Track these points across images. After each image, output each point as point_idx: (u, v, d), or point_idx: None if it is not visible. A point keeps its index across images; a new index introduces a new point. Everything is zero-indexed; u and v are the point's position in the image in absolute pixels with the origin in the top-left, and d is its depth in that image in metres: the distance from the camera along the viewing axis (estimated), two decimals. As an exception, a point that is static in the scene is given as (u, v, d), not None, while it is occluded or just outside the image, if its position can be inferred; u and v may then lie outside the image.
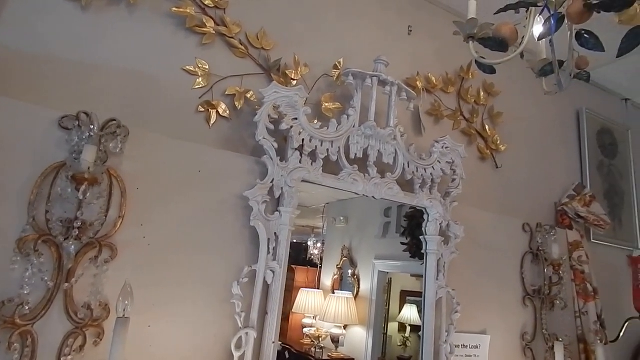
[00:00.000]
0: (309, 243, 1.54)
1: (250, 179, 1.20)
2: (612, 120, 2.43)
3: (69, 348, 0.93)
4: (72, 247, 0.94)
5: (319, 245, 1.54)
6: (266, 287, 1.15)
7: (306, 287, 1.50)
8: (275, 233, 1.18)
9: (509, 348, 1.63)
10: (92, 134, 0.98)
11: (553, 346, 1.57)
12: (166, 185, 1.12)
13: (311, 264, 1.55)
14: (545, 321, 1.69)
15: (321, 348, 1.48)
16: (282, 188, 1.20)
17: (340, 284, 1.53)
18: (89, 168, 0.96)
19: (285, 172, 1.21)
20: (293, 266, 1.57)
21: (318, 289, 1.51)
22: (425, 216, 1.48)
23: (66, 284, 0.94)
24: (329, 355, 1.48)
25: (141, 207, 1.07)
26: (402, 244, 1.49)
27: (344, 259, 1.55)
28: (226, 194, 1.19)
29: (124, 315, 0.87)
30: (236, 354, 1.07)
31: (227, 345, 1.08)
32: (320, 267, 1.53)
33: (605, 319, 1.85)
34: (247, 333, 1.09)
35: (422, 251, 1.47)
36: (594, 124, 2.34)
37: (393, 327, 1.55)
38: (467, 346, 1.52)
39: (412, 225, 1.49)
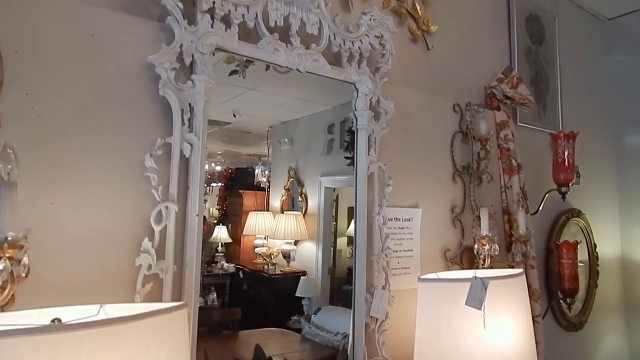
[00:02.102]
0: (256, 171, 1.52)
1: (156, 47, 1.07)
2: (541, 7, 2.45)
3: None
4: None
5: (266, 172, 1.52)
6: (185, 161, 1.08)
7: (255, 211, 1.48)
8: (189, 104, 1.08)
9: (440, 220, 1.71)
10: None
11: (479, 215, 1.65)
12: (52, 50, 0.97)
13: (259, 188, 1.53)
14: (473, 195, 1.77)
15: (274, 265, 1.50)
16: (193, 55, 1.09)
17: (289, 204, 1.53)
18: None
19: (195, 37, 1.09)
20: (241, 191, 1.54)
21: (267, 211, 1.50)
22: (354, 93, 1.44)
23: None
24: (281, 270, 1.50)
25: (24, 74, 0.93)
26: (346, 157, 1.48)
27: (291, 179, 1.54)
28: (128, 61, 1.06)
29: (9, 179, 0.77)
30: (156, 228, 1.01)
31: (147, 221, 1.02)
32: (268, 190, 1.51)
33: (527, 191, 1.97)
34: (166, 207, 1.03)
35: (353, 128, 1.44)
36: (523, 9, 2.34)
37: (342, 241, 1.58)
38: (399, 219, 1.56)
39: (354, 139, 1.46)
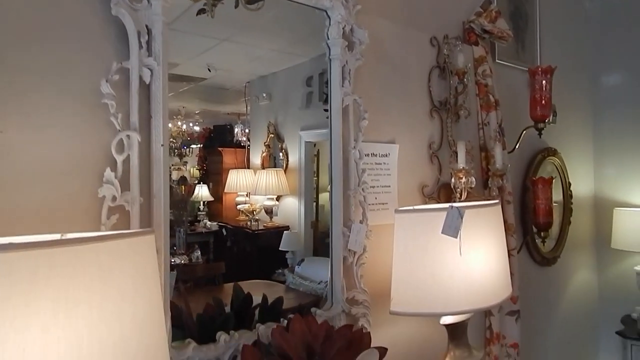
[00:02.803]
0: (236, 130, 1.48)
1: (104, -37, 0.97)
2: (521, -61, 2.35)
3: None
4: None
5: (246, 131, 1.48)
6: (146, 88, 1.01)
7: (235, 168, 1.45)
8: (146, 26, 1.00)
9: (417, 156, 1.69)
10: None
11: (457, 149, 1.64)
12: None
13: (239, 145, 1.48)
14: (451, 131, 1.75)
15: (256, 221, 1.47)
16: (146, -30, 1.00)
17: (270, 161, 1.49)
18: None
19: (148, -50, 0.99)
20: (220, 149, 1.48)
21: (248, 168, 1.46)
22: (326, 21, 1.37)
23: None
24: (264, 226, 1.48)
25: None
26: (326, 110, 1.42)
27: (271, 135, 1.50)
28: (73, -23, 0.97)
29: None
30: (119, 158, 0.96)
31: (108, 150, 0.96)
32: (249, 148, 1.47)
33: (505, 128, 1.96)
34: (128, 136, 0.97)
35: (326, 59, 1.38)
36: (503, -60, 2.24)
37: (324, 197, 1.56)
38: (376, 155, 1.54)
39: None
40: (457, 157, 1.60)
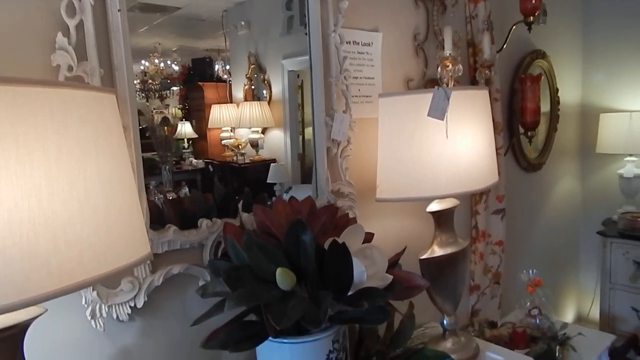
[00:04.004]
0: (216, 67, 1.38)
1: None
2: None
3: None
4: None
5: (227, 67, 1.38)
6: (95, -56, 0.90)
7: (218, 103, 1.37)
8: None
9: (402, 48, 1.61)
10: None
11: (443, 39, 1.55)
12: None
13: (220, 80, 1.39)
14: (437, 21, 1.66)
15: (242, 155, 1.43)
16: None
17: (253, 93, 1.41)
18: None
19: None
20: (200, 83, 1.39)
21: (231, 102, 1.38)
22: None
23: None
24: (250, 160, 1.43)
25: None
26: (307, 34, 1.32)
27: (252, 66, 1.40)
28: None
29: None
30: (70, 22, 0.86)
31: (59, 16, 0.86)
32: (230, 83, 1.38)
33: (493, 22, 1.86)
34: (79, -2, 0.87)
35: None
36: None
37: (309, 131, 1.48)
38: (358, 43, 1.45)
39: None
40: (443, 45, 1.52)
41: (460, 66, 1.49)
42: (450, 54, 1.47)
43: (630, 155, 2.59)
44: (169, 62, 1.37)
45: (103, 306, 0.94)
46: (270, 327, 0.89)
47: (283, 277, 0.80)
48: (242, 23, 1.42)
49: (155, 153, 1.24)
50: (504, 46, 2.01)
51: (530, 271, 1.90)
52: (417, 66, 1.65)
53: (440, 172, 1.25)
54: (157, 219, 1.04)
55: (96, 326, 0.94)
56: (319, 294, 0.82)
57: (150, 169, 1.07)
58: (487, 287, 2.04)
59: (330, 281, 0.88)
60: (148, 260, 0.92)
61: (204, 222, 1.09)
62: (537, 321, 1.89)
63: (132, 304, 0.98)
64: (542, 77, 2.15)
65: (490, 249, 2.02)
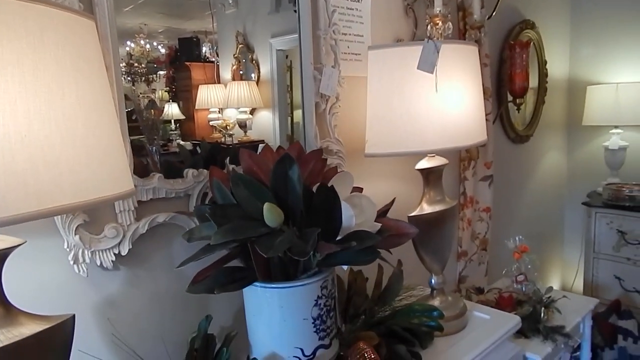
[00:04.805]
0: (204, 49, 1.34)
1: None
2: None
3: None
4: None
5: (214, 49, 1.34)
6: None
7: (205, 84, 1.34)
8: None
9: (391, 6, 1.58)
10: None
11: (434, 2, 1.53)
12: None
13: (207, 60, 1.35)
14: (427, -19, 1.63)
15: (231, 136, 1.40)
16: None
17: (241, 74, 1.38)
18: None
19: None
20: (187, 63, 1.35)
21: (219, 83, 1.35)
22: None
23: None
24: (239, 141, 1.40)
25: None
26: (296, 11, 1.29)
27: (240, 46, 1.37)
28: None
29: None
30: (46, -49, 0.83)
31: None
32: (218, 64, 1.35)
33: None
34: None
35: None
36: None
37: (298, 114, 1.45)
38: (347, -2, 1.43)
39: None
40: (434, 2, 1.50)
41: (450, 24, 1.47)
42: (440, 11, 1.45)
43: (616, 127, 2.62)
44: (155, 44, 1.34)
45: (86, 252, 0.92)
46: (259, 270, 0.88)
47: (271, 213, 0.78)
48: (230, 1, 1.38)
49: (142, 136, 1.21)
50: (494, 13, 2.01)
51: (517, 238, 1.92)
52: (407, 26, 1.64)
53: (429, 127, 1.25)
54: (141, 173, 1.01)
55: (79, 271, 0.92)
56: (307, 231, 0.81)
57: (137, 151, 1.04)
58: (474, 254, 2.06)
59: (318, 223, 0.87)
60: (131, 197, 0.90)
61: (189, 172, 1.07)
62: (523, 287, 1.92)
63: (117, 251, 0.96)
64: (531, 45, 2.15)
65: (478, 216, 2.03)
